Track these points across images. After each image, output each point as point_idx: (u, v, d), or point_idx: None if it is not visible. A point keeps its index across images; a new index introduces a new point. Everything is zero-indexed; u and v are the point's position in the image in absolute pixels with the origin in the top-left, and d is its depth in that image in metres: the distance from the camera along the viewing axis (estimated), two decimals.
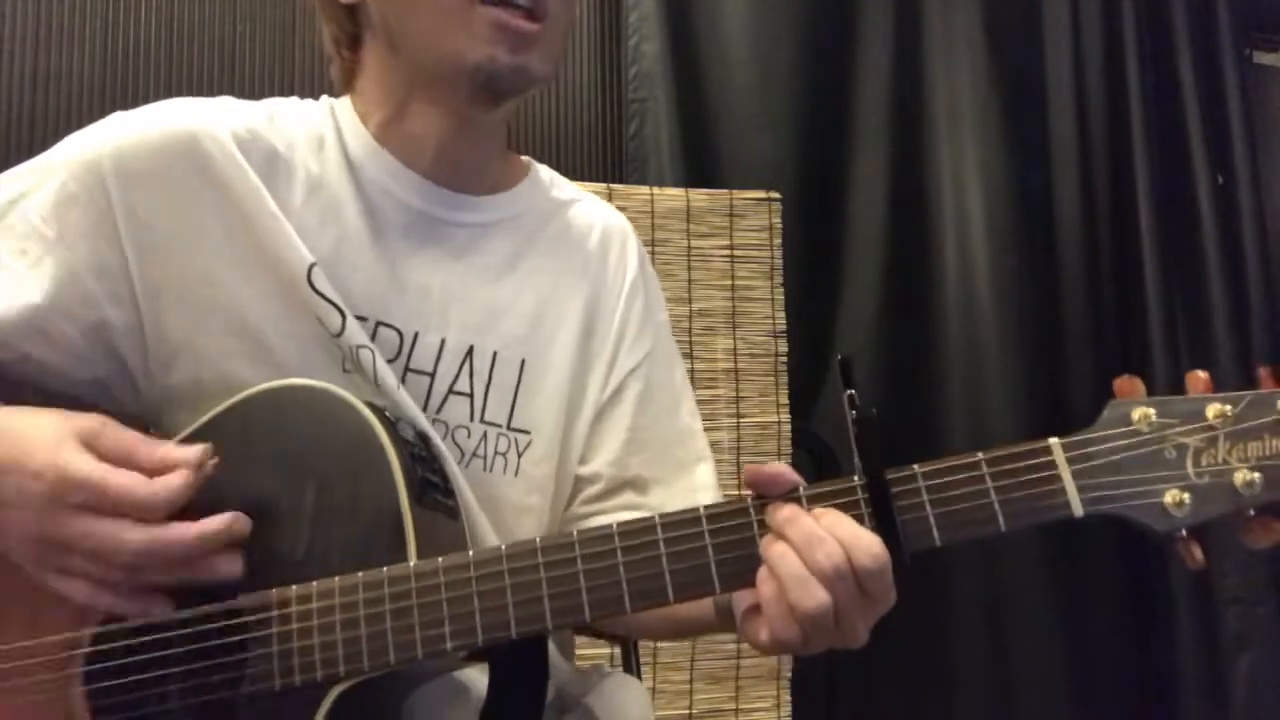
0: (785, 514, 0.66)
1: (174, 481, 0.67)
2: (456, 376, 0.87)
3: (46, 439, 0.67)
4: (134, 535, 0.66)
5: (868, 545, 0.64)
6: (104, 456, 0.68)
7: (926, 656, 2.33)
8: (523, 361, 0.90)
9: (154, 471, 0.68)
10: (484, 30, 0.81)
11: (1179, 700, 2.47)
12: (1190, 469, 0.64)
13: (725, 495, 1.96)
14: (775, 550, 0.65)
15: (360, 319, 0.83)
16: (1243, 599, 2.48)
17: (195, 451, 0.69)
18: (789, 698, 1.97)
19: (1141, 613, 2.51)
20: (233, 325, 0.81)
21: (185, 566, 0.68)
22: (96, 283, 0.79)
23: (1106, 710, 2.44)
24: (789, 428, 2.06)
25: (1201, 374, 0.67)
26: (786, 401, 2.08)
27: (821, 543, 0.64)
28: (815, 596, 0.63)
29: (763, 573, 0.66)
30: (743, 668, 1.96)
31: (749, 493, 0.68)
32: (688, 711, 1.93)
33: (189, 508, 0.68)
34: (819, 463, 2.10)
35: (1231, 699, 2.47)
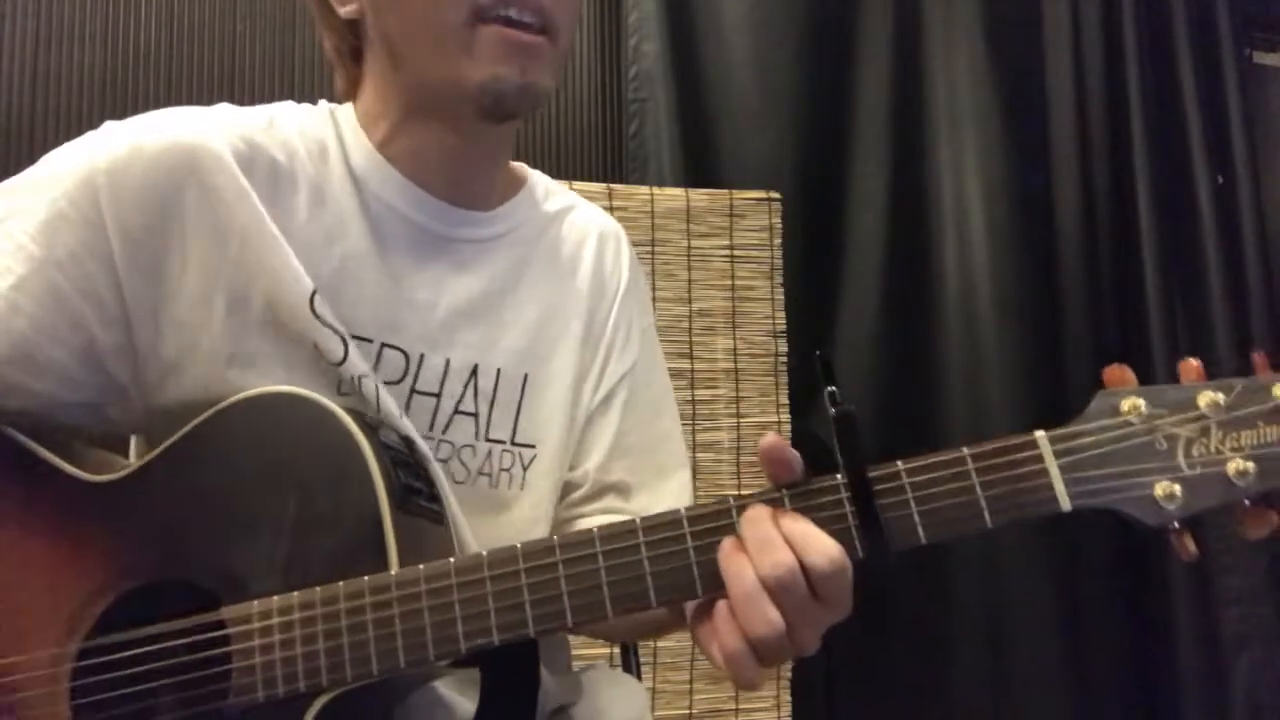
0: (750, 514, 0.64)
1: None
2: (461, 396, 0.86)
3: None
4: None
5: (822, 546, 0.61)
6: None
7: (926, 656, 2.32)
8: (525, 376, 0.89)
9: None
10: (488, 50, 0.79)
11: (1179, 700, 2.47)
12: (1181, 460, 0.62)
13: (724, 495, 1.97)
14: (731, 569, 0.63)
15: (365, 340, 0.82)
16: (1243, 599, 2.48)
17: None
18: (789, 698, 1.97)
19: (1141, 613, 2.51)
20: (225, 349, 0.78)
21: None
22: (86, 303, 0.75)
23: (1106, 710, 2.44)
24: (789, 428, 2.05)
25: (1194, 361, 0.65)
26: (786, 401, 2.07)
27: (772, 548, 0.61)
28: (768, 619, 0.61)
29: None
30: None
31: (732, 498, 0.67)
32: (688, 711, 1.93)
33: (182, 519, 0.67)
34: (817, 464, 2.09)
35: (1231, 699, 2.47)
